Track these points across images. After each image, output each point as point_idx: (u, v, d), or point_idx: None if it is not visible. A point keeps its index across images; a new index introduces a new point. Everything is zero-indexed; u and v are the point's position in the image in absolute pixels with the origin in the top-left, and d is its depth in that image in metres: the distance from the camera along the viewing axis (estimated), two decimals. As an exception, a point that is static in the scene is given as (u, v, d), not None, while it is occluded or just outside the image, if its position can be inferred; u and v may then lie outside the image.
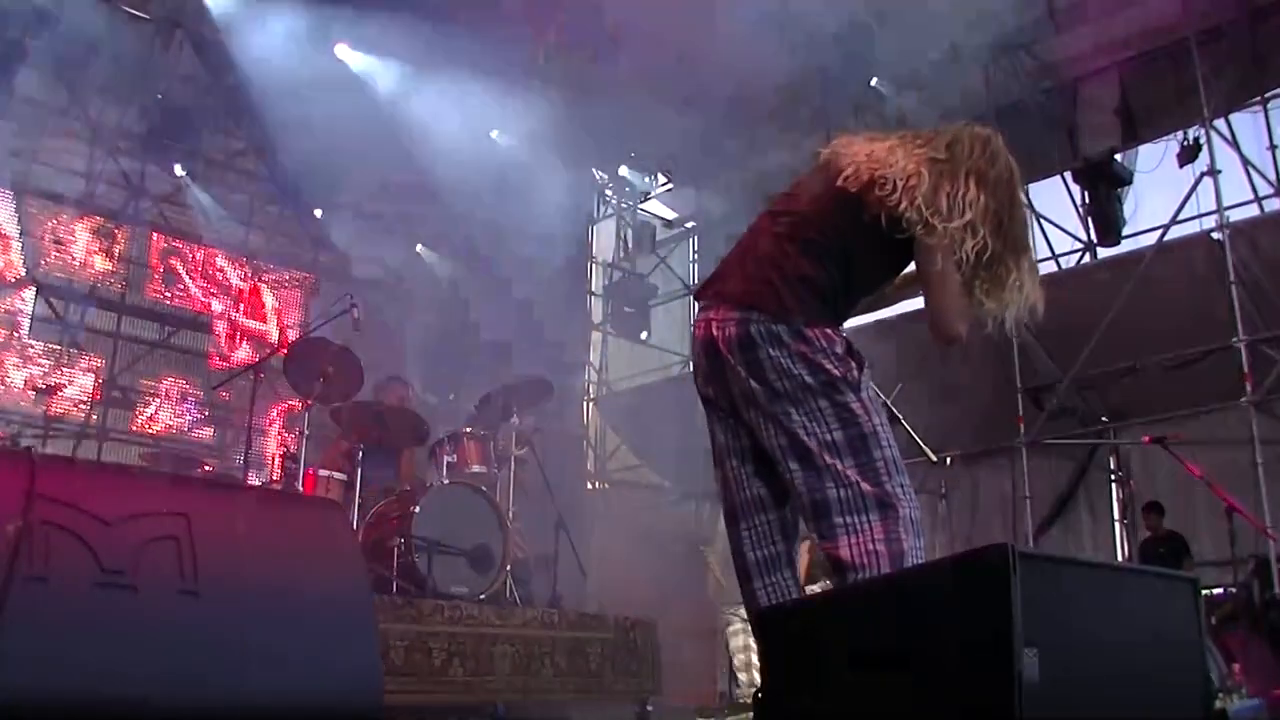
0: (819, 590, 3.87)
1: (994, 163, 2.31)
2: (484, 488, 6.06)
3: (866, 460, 2.21)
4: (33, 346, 8.90)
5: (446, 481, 5.94)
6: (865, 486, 2.19)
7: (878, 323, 6.83)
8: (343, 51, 9.46)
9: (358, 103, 9.54)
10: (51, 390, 8.72)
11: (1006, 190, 2.31)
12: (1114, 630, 1.76)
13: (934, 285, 2.30)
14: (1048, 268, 9.59)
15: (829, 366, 2.25)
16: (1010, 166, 2.33)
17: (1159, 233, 8.56)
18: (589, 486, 11.56)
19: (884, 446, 2.24)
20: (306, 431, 6.06)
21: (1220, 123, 8.36)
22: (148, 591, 2.06)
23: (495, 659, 4.83)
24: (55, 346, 9.01)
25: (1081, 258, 9.58)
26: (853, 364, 2.28)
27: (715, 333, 2.35)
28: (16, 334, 8.83)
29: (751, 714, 2.01)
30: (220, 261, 10.23)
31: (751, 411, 2.32)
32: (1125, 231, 9.03)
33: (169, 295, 9.85)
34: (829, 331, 2.28)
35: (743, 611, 2.88)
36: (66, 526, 2.01)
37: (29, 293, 8.92)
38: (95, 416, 9.09)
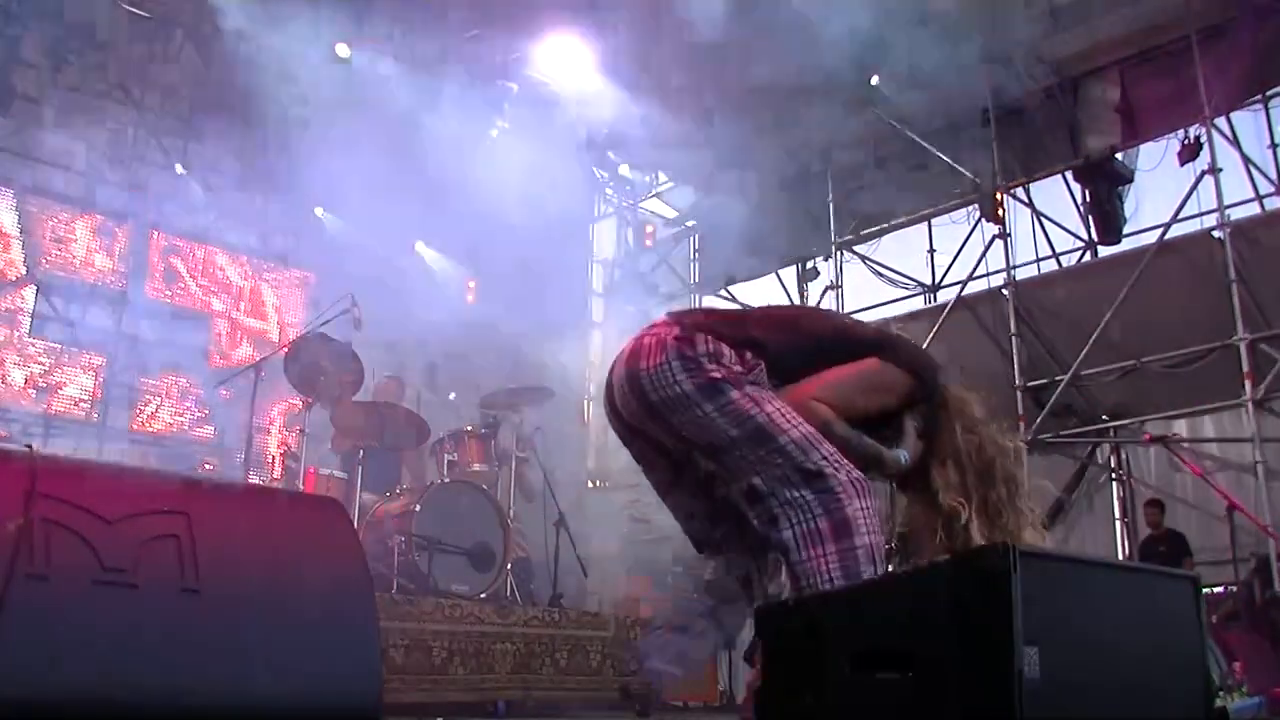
0: None
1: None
2: (485, 486, 6.07)
3: (775, 446, 2.18)
4: (33, 345, 8.89)
5: (447, 480, 5.94)
6: (785, 466, 2.17)
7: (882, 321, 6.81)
8: (343, 49, 9.45)
9: (358, 100, 9.54)
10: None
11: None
12: (1115, 629, 1.76)
13: (847, 383, 2.33)
14: (1049, 266, 9.62)
15: (709, 369, 2.26)
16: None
17: (1160, 231, 8.54)
18: (589, 485, 11.54)
19: (786, 430, 2.20)
20: (307, 430, 6.06)
21: (1221, 121, 8.35)
22: (149, 589, 2.06)
23: (496, 657, 4.83)
24: (56, 345, 9.00)
25: (1082, 256, 9.58)
26: (737, 366, 2.29)
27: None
28: (17, 333, 8.82)
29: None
30: (220, 260, 10.22)
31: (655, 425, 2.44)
32: (1126, 230, 9.03)
33: (169, 294, 9.84)
34: (712, 339, 2.32)
35: None
36: (67, 525, 2.01)
37: (29, 291, 8.91)
38: (95, 415, 9.09)
